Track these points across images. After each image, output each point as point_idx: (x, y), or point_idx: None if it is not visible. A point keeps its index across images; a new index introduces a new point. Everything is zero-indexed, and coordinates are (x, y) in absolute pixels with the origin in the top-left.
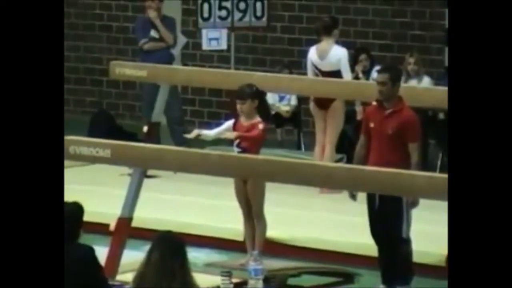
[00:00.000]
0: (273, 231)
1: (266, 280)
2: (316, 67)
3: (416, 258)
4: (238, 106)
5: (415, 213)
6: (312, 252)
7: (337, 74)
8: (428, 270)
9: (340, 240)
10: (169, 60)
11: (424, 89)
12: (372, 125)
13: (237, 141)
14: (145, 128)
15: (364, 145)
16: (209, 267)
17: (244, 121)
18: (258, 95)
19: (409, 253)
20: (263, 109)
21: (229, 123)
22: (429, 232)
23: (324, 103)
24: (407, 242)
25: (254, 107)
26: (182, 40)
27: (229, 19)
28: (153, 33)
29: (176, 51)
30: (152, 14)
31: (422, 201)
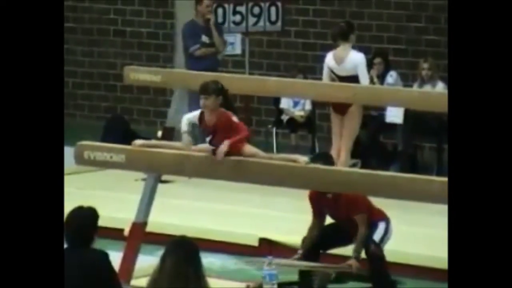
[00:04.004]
0: (294, 237)
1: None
2: (333, 72)
3: (420, 261)
4: (202, 101)
5: (420, 217)
6: (339, 259)
7: (353, 79)
8: (431, 273)
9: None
10: (217, 66)
11: (438, 94)
12: (322, 209)
13: (209, 138)
14: (159, 133)
15: (317, 226)
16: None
17: (208, 116)
18: (222, 92)
19: (380, 256)
20: (227, 107)
21: (194, 117)
22: (433, 235)
23: (341, 108)
24: (378, 246)
25: (218, 103)
26: (227, 44)
27: (244, 24)
28: (204, 38)
29: (220, 57)
30: (211, 18)
31: (426, 205)
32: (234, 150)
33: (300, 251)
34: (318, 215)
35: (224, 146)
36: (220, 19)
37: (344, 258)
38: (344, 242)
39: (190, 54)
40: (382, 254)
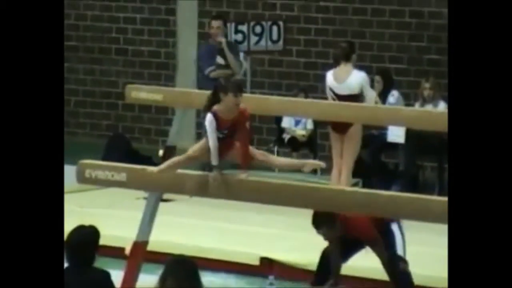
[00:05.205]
0: (296, 255)
1: None
2: (332, 91)
3: (420, 281)
4: (236, 99)
5: (418, 236)
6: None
7: (354, 98)
8: None
9: (367, 266)
10: None
11: (439, 114)
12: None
13: (225, 132)
14: (161, 152)
15: (333, 248)
16: None
17: (227, 113)
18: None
19: (408, 273)
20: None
21: (211, 123)
22: (432, 254)
23: (341, 128)
24: (404, 260)
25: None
26: (244, 66)
27: (245, 43)
28: (219, 59)
29: (238, 77)
30: (222, 40)
31: (426, 224)
32: (249, 158)
33: (331, 280)
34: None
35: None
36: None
37: (373, 282)
38: (358, 250)
39: (205, 75)
40: (408, 270)
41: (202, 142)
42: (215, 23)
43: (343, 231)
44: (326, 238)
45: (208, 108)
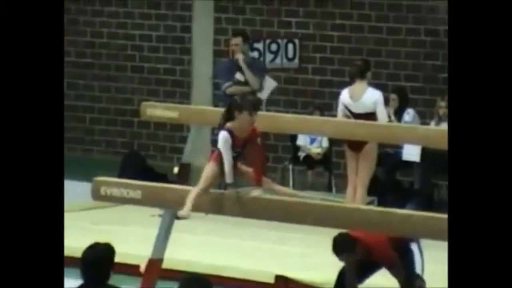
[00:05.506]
0: (310, 273)
1: None
2: (348, 109)
3: None
4: (251, 118)
5: (434, 254)
6: None
7: (369, 116)
8: None
9: (383, 285)
10: None
11: None
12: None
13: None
14: (176, 169)
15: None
16: None
17: (241, 131)
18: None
19: None
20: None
21: (227, 141)
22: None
23: (356, 146)
24: (421, 279)
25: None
26: (270, 84)
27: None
28: (238, 76)
29: (264, 96)
30: (239, 56)
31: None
32: (262, 176)
33: None
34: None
35: (260, 191)
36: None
37: None
38: (375, 270)
39: (223, 91)
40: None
41: (212, 168)
42: (234, 40)
43: (364, 256)
44: (347, 263)
45: (222, 125)
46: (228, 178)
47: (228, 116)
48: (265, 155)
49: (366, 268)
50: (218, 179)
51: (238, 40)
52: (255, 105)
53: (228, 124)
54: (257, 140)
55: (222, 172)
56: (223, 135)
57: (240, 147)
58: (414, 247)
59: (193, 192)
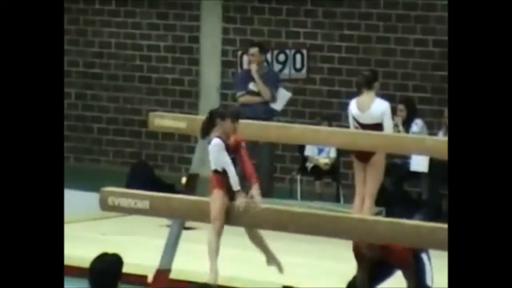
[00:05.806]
0: (317, 283)
1: None
2: (356, 120)
3: None
4: (234, 126)
5: (443, 263)
6: None
7: (377, 127)
8: None
9: None
10: (268, 115)
11: None
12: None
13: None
14: (184, 180)
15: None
16: None
17: (227, 139)
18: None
19: None
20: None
21: (221, 146)
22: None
23: (364, 156)
24: None
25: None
26: (284, 95)
27: None
28: (252, 86)
29: (278, 107)
30: (253, 67)
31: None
32: (254, 178)
33: None
34: (363, 267)
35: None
36: (245, 66)
37: None
38: (387, 277)
39: (235, 100)
40: None
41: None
42: (251, 50)
43: (383, 255)
44: (364, 260)
45: (205, 133)
46: (235, 186)
47: (210, 124)
48: (253, 161)
49: (378, 274)
50: (227, 205)
51: (253, 50)
52: (237, 114)
53: (214, 133)
54: (241, 149)
55: (230, 196)
56: (215, 142)
57: (231, 153)
58: (424, 256)
59: (212, 241)
